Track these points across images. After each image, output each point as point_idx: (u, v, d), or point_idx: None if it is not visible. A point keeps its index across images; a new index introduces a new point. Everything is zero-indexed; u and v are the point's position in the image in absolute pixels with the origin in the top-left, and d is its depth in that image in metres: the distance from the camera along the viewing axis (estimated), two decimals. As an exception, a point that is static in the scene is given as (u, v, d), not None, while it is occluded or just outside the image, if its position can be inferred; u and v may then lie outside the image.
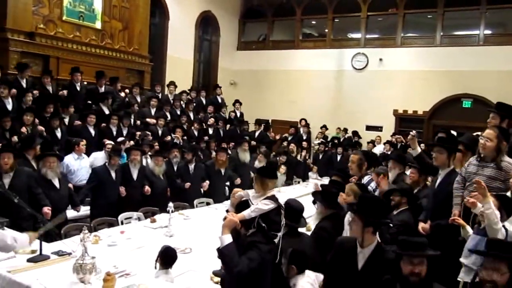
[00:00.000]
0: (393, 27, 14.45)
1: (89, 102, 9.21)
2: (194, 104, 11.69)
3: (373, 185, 4.84)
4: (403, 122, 14.13)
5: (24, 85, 8.34)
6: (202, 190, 7.58)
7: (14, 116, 7.33)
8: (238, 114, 12.69)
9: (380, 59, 14.25)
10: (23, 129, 6.99)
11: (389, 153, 11.06)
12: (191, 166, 7.59)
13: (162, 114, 10.00)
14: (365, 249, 3.01)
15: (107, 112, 8.99)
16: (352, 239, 3.12)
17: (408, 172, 6.29)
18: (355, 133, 13.37)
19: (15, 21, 8.94)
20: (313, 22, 17.07)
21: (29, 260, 3.58)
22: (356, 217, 3.05)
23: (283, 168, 9.56)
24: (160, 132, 9.42)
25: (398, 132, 13.44)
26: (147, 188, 6.57)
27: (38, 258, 3.60)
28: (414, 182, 5.52)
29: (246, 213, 2.99)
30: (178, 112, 10.87)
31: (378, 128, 14.16)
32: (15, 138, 6.77)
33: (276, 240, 3.03)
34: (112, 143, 7.61)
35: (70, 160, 7.06)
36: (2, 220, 4.28)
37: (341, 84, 14.98)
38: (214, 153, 8.86)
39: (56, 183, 5.55)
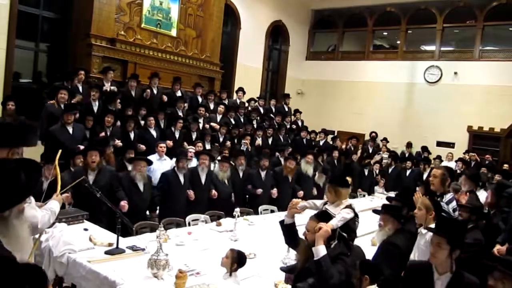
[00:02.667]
0: (471, 40, 13.82)
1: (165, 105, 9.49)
2: (262, 112, 11.77)
3: (454, 204, 4.58)
4: (477, 139, 13.39)
5: (108, 89, 8.83)
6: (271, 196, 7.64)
7: (97, 116, 7.79)
8: (300, 124, 12.67)
9: (455, 73, 13.68)
10: (102, 134, 7.31)
11: (460, 171, 10.56)
12: (263, 173, 7.68)
13: (225, 121, 10.05)
14: (443, 275, 2.78)
15: (180, 114, 9.23)
16: (426, 264, 2.89)
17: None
18: (424, 148, 12.86)
19: (99, 28, 9.52)
20: (385, 33, 16.75)
21: (106, 252, 3.78)
22: (442, 241, 2.79)
23: (348, 178, 9.36)
24: (221, 138, 9.35)
25: (471, 149, 12.79)
26: (214, 192, 6.72)
27: (114, 251, 3.79)
28: (490, 203, 5.28)
29: (334, 223, 2.95)
30: (242, 119, 10.93)
31: (450, 145, 13.52)
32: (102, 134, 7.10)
33: None
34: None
35: (153, 160, 7.19)
36: (83, 213, 4.55)
37: (411, 97, 14.53)
38: (283, 160, 8.86)
39: (141, 186, 5.83)
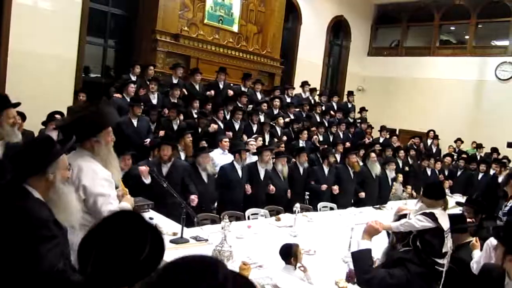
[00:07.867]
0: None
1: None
2: (323, 108, 11.66)
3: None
4: (554, 140, 12.52)
5: (175, 81, 9.09)
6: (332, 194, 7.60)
7: (159, 110, 8.04)
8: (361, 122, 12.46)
9: (530, 69, 12.85)
10: (161, 133, 7.30)
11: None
12: (327, 170, 7.68)
13: (282, 116, 9.94)
14: None
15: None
16: (499, 267, 2.77)
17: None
18: (494, 149, 12.15)
19: (163, 24, 9.77)
20: (452, 28, 16.02)
21: (171, 241, 3.86)
22: (499, 243, 2.73)
23: (400, 176, 9.09)
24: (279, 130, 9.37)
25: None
26: (272, 187, 6.71)
27: (179, 240, 3.88)
28: None
29: (394, 225, 2.84)
30: (304, 114, 10.90)
31: (523, 147, 12.71)
32: (162, 133, 7.14)
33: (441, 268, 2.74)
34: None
35: (216, 154, 7.28)
36: (149, 203, 4.68)
37: (480, 95, 13.81)
38: (338, 158, 8.71)
39: (205, 177, 5.99)
